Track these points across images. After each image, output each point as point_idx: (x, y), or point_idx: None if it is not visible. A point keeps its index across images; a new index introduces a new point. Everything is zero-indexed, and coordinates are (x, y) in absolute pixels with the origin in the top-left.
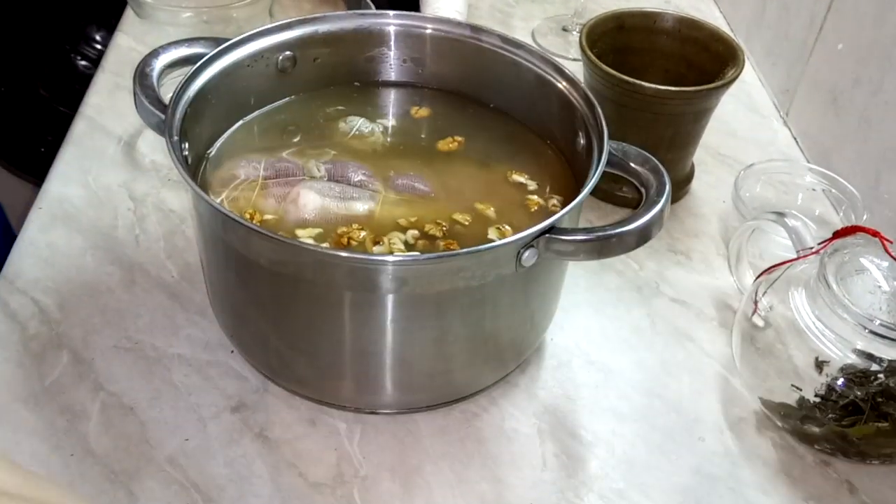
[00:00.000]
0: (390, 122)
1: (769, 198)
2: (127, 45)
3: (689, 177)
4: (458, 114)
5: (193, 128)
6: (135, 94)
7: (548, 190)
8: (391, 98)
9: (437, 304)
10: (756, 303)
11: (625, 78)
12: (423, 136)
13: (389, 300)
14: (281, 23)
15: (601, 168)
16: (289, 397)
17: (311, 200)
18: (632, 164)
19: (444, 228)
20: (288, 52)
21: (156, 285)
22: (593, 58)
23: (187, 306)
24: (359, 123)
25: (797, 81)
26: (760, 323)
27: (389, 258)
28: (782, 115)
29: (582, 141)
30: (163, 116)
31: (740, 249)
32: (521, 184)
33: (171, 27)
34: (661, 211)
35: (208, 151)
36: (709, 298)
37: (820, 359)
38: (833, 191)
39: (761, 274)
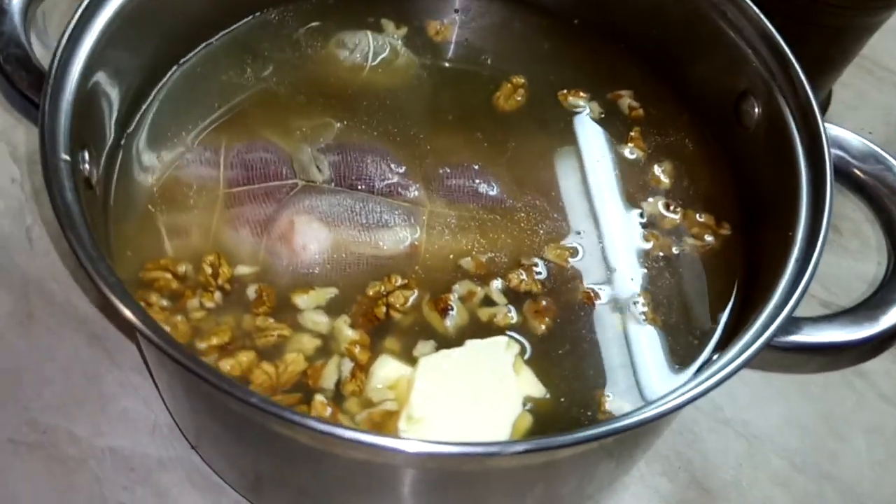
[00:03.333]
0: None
1: None
2: None
3: (825, 104)
4: (512, 33)
5: (99, 97)
6: None
7: (685, 185)
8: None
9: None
10: None
11: None
12: (461, 78)
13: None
14: None
15: (829, 194)
16: None
17: (315, 235)
18: (859, 174)
19: (541, 277)
20: None
21: (66, 319)
22: None
23: (117, 356)
24: (368, 44)
25: None
26: None
27: (510, 447)
28: None
29: (754, 109)
30: (37, 102)
31: None
32: (631, 161)
33: None
34: None
35: (126, 129)
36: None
37: None
38: None
39: None
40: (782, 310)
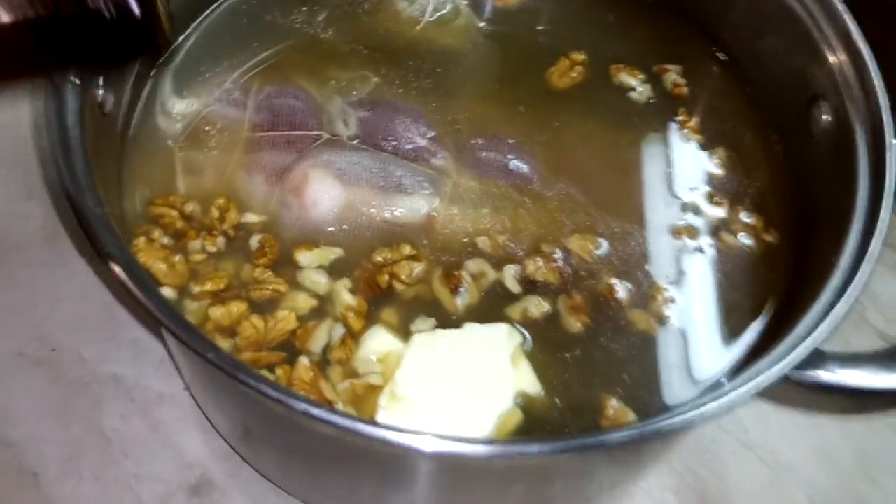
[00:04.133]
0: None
1: None
2: None
3: None
4: (578, 3)
5: None
6: None
7: (736, 180)
8: None
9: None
10: None
11: None
12: (517, 46)
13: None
14: None
15: (885, 215)
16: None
17: (328, 192)
18: None
19: (561, 268)
20: None
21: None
22: None
23: None
24: None
25: None
26: None
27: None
28: None
29: (823, 116)
30: None
31: None
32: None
33: None
34: None
35: (157, 60)
36: None
37: None
38: None
39: None
40: (804, 340)
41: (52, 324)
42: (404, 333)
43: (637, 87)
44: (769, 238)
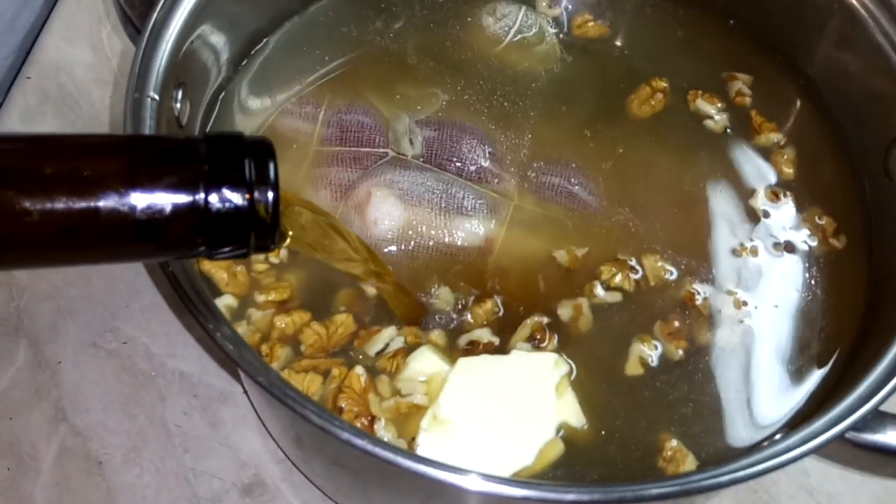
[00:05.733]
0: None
1: None
2: None
3: None
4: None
5: (201, 44)
6: None
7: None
8: None
9: None
10: None
11: None
12: (596, 71)
13: None
14: None
15: None
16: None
17: (390, 212)
18: None
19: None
20: None
21: None
22: None
23: None
24: (519, 17)
25: None
26: None
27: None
28: None
29: None
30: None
31: None
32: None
33: None
34: None
35: (236, 69)
36: None
37: None
38: None
39: None
40: (868, 402)
41: (125, 317)
42: (451, 356)
43: (714, 115)
44: (842, 282)
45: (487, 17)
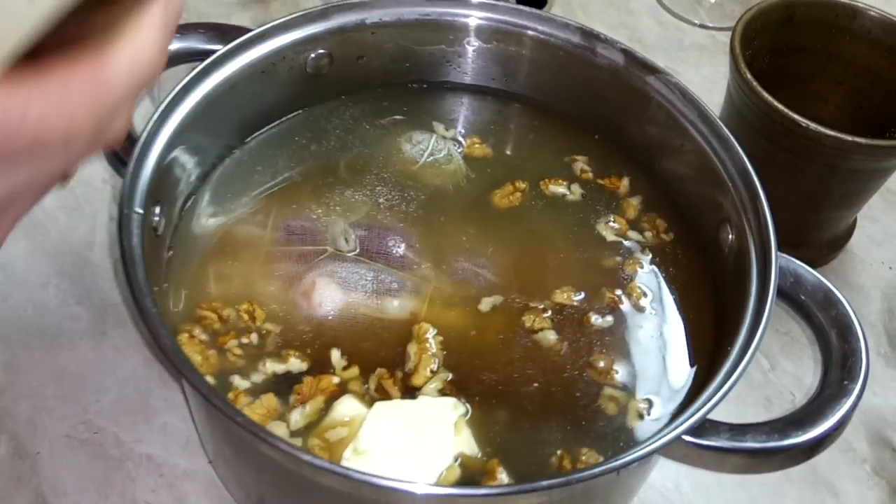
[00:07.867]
0: (457, 147)
1: None
2: None
3: (848, 233)
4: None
5: (172, 169)
6: None
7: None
8: (462, 106)
9: None
10: None
11: (793, 117)
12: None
13: None
14: (312, 10)
15: (764, 324)
16: None
17: (331, 296)
18: (806, 301)
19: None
20: (322, 50)
21: (131, 341)
22: (746, 73)
23: (166, 378)
24: (431, 143)
25: None
26: None
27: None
28: None
29: (729, 236)
30: (122, 168)
31: None
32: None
33: None
34: (854, 408)
35: (197, 188)
36: (862, 428)
37: None
38: None
39: None
40: (699, 411)
41: (96, 411)
42: (369, 400)
43: (567, 191)
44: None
45: (406, 143)
